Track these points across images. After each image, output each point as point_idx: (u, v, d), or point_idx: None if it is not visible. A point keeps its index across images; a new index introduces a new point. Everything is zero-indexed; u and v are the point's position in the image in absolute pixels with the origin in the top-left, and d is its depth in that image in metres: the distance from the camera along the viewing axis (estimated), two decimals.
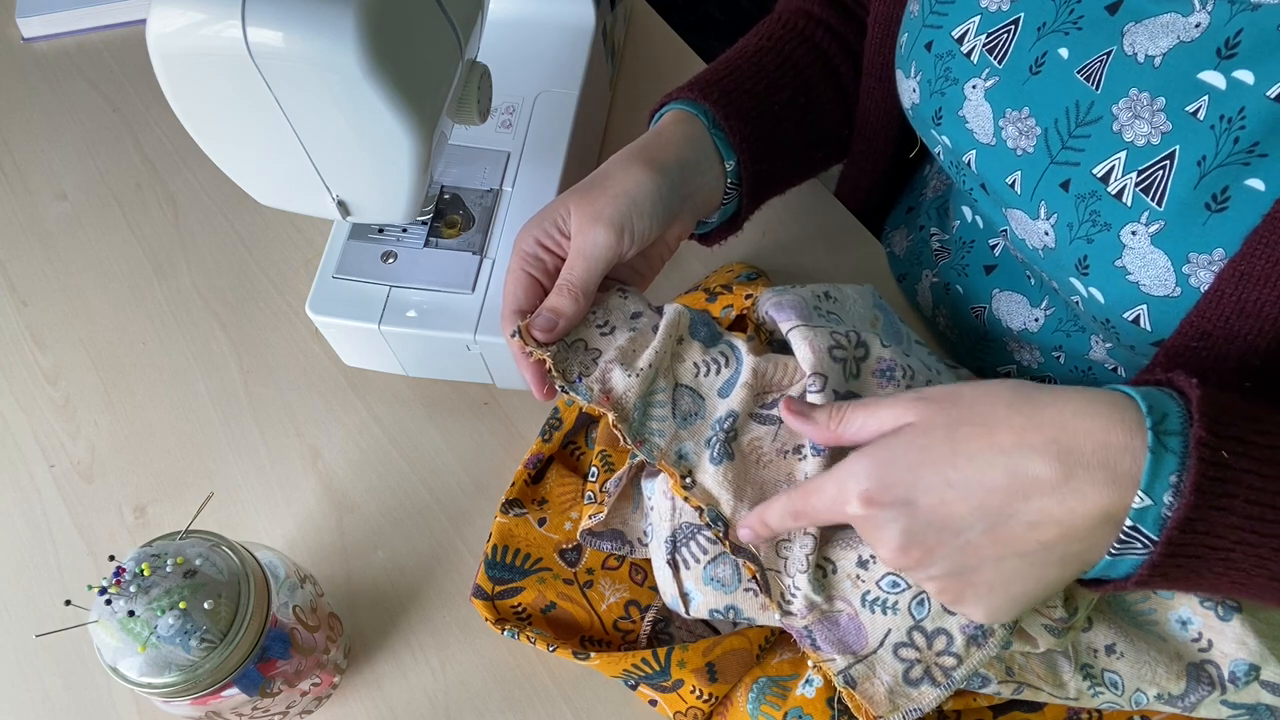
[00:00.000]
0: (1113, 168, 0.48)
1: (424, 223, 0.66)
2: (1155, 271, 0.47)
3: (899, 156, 0.73)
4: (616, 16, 0.81)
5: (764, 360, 0.55)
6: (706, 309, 0.66)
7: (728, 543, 0.52)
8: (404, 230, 0.66)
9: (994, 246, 0.64)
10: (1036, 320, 0.62)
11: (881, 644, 0.50)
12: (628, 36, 0.88)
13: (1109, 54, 0.48)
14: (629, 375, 0.54)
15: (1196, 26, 0.45)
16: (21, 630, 0.65)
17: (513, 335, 0.54)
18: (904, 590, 0.49)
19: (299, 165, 0.53)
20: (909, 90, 0.59)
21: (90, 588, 0.48)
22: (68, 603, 0.50)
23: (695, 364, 0.56)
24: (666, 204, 0.56)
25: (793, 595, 0.51)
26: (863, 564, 0.51)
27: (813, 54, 0.66)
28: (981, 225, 0.65)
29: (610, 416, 0.53)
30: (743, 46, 0.66)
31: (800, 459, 0.53)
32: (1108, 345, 0.58)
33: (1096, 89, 0.49)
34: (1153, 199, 0.47)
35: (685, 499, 0.53)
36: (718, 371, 0.56)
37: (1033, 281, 0.62)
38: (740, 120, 0.60)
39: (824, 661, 0.50)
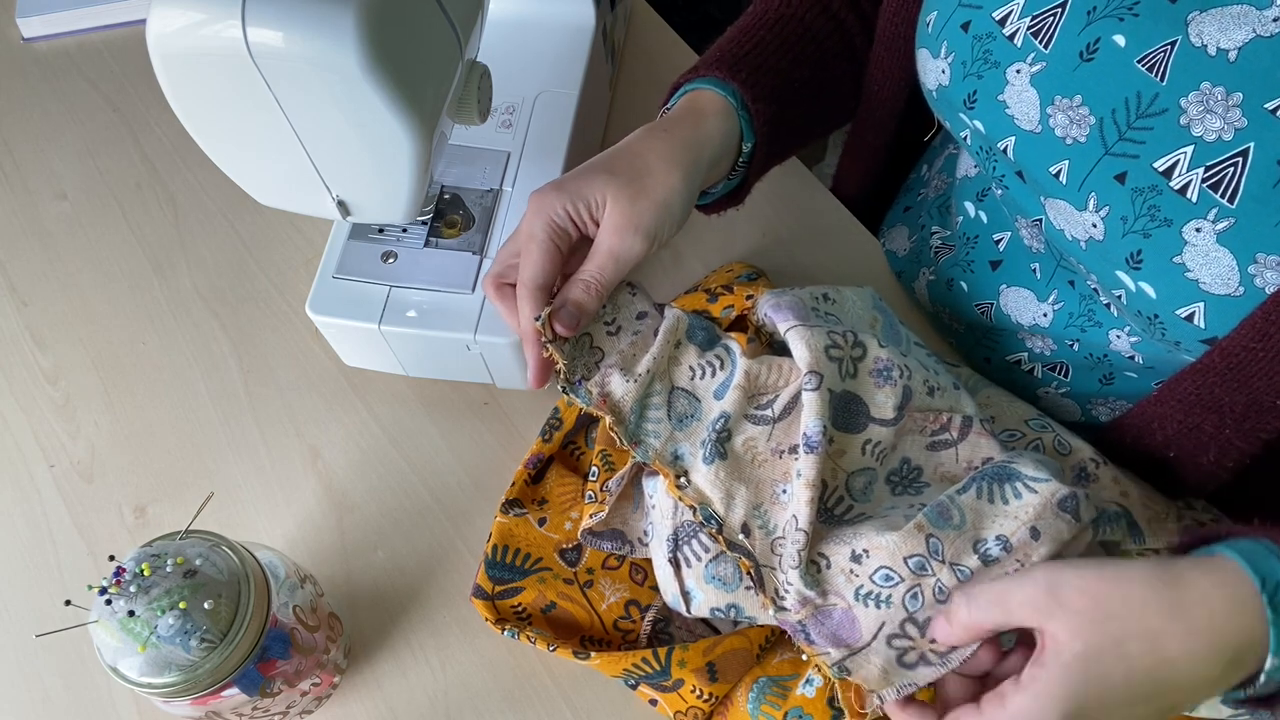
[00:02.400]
0: (1177, 162, 0.47)
1: (424, 223, 0.66)
2: (1218, 270, 0.46)
3: (901, 133, 0.72)
4: (616, 16, 0.81)
5: (757, 362, 0.56)
6: (707, 309, 0.66)
7: (722, 539, 0.52)
8: (404, 230, 0.66)
9: (999, 241, 0.64)
10: (1045, 315, 0.61)
11: (875, 636, 0.50)
12: (628, 36, 0.88)
13: (1173, 44, 0.47)
14: (627, 380, 0.55)
15: (1275, 20, 0.44)
16: (21, 630, 0.65)
17: (537, 320, 0.54)
18: (898, 584, 0.49)
19: (299, 165, 0.53)
20: (936, 70, 0.58)
21: (90, 588, 0.48)
22: (68, 603, 0.50)
23: (691, 367, 0.56)
24: (690, 205, 0.57)
25: (786, 590, 0.51)
26: (856, 558, 0.51)
27: (831, 24, 0.65)
28: (986, 220, 0.65)
29: (607, 419, 0.54)
30: (762, 13, 0.65)
31: (795, 458, 0.54)
32: (1133, 340, 0.57)
33: (1162, 80, 0.47)
34: (1223, 196, 0.46)
35: (680, 499, 0.53)
36: (713, 374, 0.56)
37: (1039, 275, 0.61)
38: (766, 103, 0.60)
39: (818, 655, 0.50)
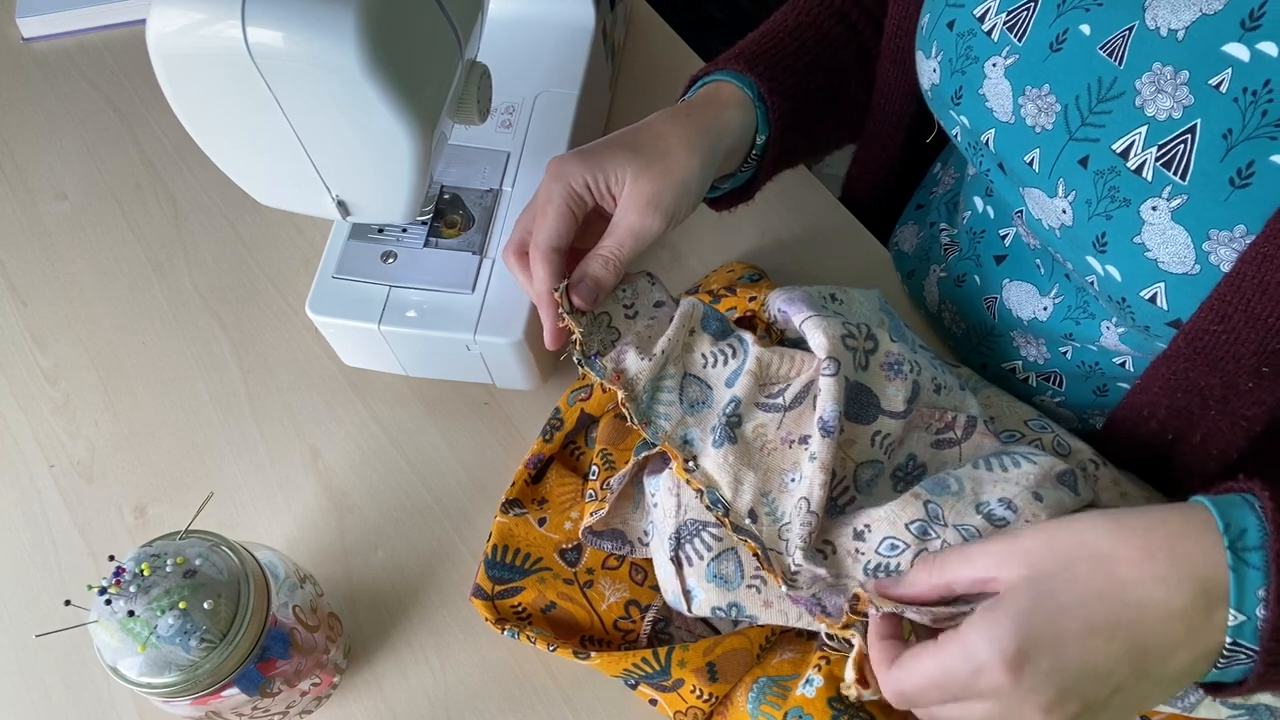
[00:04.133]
0: (1132, 143, 0.48)
1: (424, 223, 0.66)
2: (1174, 248, 0.47)
3: (911, 144, 0.73)
4: (616, 16, 0.81)
5: (769, 351, 0.56)
6: None
7: (728, 522, 0.52)
8: (404, 230, 0.66)
9: (1004, 236, 0.64)
10: (1045, 309, 0.62)
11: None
12: (628, 36, 0.88)
13: (1131, 29, 0.48)
14: (642, 358, 0.55)
15: None
16: (21, 630, 0.65)
17: (556, 291, 0.54)
18: (904, 550, 0.49)
19: (299, 165, 0.53)
20: (929, 70, 0.59)
21: (90, 588, 0.48)
22: (68, 603, 0.50)
23: (704, 355, 0.57)
24: (704, 189, 0.58)
25: (796, 570, 0.51)
26: (859, 536, 0.51)
27: (849, 34, 0.66)
28: (993, 215, 0.65)
29: (620, 394, 0.54)
30: (782, 20, 0.66)
31: (805, 448, 0.54)
32: (1120, 330, 0.57)
33: (1120, 64, 0.48)
34: (1175, 173, 0.46)
35: (687, 481, 0.53)
36: (725, 362, 0.57)
37: (1042, 270, 0.62)
38: (782, 98, 0.61)
39: (836, 624, 0.49)
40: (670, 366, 0.56)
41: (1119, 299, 0.52)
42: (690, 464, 0.54)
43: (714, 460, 0.53)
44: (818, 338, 0.54)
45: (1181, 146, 0.46)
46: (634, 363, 0.55)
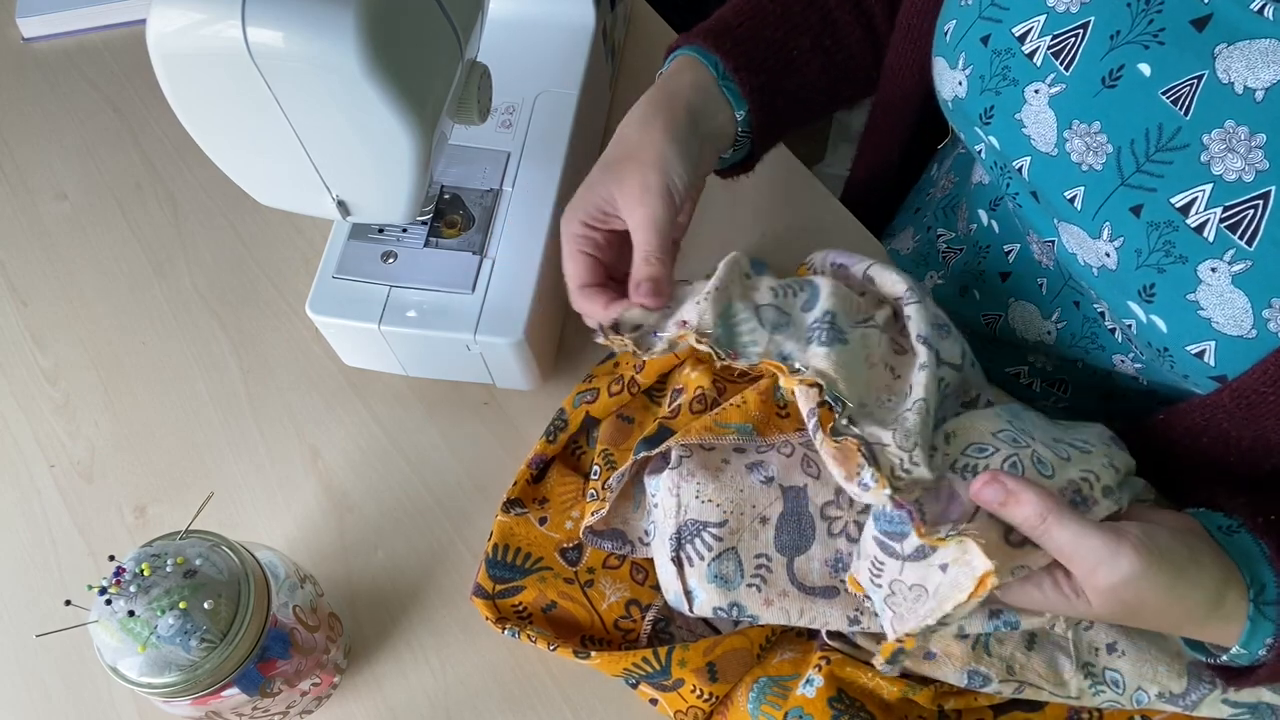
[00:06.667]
0: (1195, 199, 0.46)
1: (424, 223, 0.66)
2: (1232, 311, 0.46)
3: (919, 128, 0.71)
4: (616, 16, 0.81)
5: (840, 285, 0.55)
6: None
7: (827, 431, 0.50)
8: (404, 230, 0.66)
9: (1009, 253, 0.63)
10: (1049, 333, 0.60)
11: (976, 513, 0.48)
12: (628, 36, 0.88)
13: (1200, 78, 0.46)
14: (696, 303, 0.54)
15: None
16: (21, 630, 0.65)
17: (614, 330, 0.55)
18: (992, 454, 0.48)
19: (299, 165, 0.53)
20: (953, 81, 0.57)
21: (90, 588, 0.48)
22: (68, 603, 0.50)
23: (772, 288, 0.55)
24: (690, 152, 0.57)
25: (905, 471, 0.48)
26: (946, 438, 0.50)
27: None
28: (998, 230, 0.64)
29: (691, 337, 0.52)
30: None
31: (897, 378, 0.53)
32: (1138, 366, 0.56)
33: (1185, 114, 0.46)
34: (1241, 237, 0.45)
35: (799, 384, 0.51)
36: (795, 294, 0.55)
37: (1044, 291, 0.60)
38: (751, 72, 0.60)
39: (932, 534, 0.47)
40: (737, 303, 0.54)
41: (1160, 347, 0.50)
42: (797, 366, 0.51)
43: (824, 359, 0.51)
44: (890, 275, 0.54)
45: (1251, 211, 0.44)
46: (691, 310, 0.53)
